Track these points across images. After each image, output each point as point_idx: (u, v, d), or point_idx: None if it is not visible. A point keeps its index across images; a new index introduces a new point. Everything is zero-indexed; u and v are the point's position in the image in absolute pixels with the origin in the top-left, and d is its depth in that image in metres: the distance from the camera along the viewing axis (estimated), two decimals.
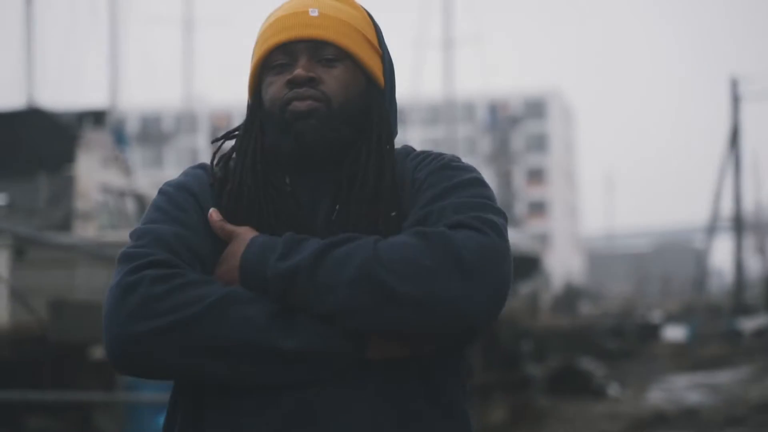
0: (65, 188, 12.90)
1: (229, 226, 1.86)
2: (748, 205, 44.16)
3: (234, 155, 1.97)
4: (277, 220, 1.88)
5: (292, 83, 1.89)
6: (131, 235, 1.86)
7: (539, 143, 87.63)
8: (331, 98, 1.89)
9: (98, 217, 13.42)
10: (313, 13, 1.93)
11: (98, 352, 11.86)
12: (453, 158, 1.96)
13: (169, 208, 1.89)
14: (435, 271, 1.72)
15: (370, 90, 1.96)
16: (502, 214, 1.85)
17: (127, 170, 15.64)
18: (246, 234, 1.84)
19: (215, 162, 1.98)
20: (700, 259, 36.72)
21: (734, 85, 33.85)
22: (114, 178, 14.48)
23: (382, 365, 1.80)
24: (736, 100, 33.75)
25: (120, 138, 17.97)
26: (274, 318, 1.75)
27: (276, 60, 1.93)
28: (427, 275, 1.72)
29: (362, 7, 2.02)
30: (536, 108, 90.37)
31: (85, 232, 12.57)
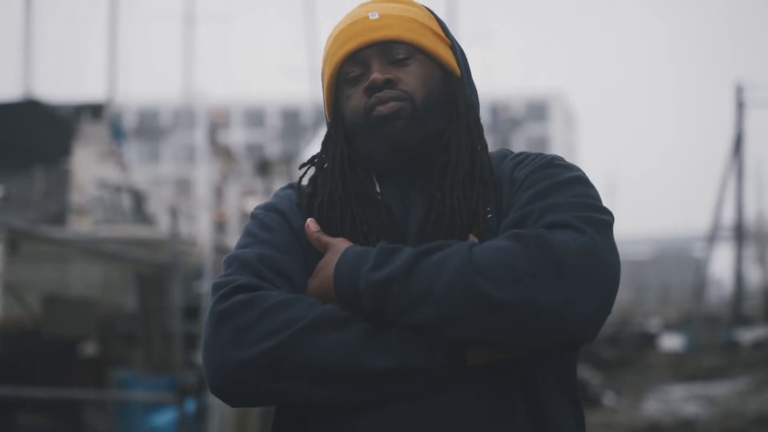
0: (61, 182, 12.91)
1: (326, 238, 1.86)
2: (750, 214, 44.20)
3: (321, 173, 1.96)
4: (369, 227, 1.87)
5: (371, 89, 1.87)
6: (224, 263, 1.89)
7: (540, 146, 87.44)
8: (413, 95, 1.87)
9: (94, 211, 13.42)
10: (374, 16, 1.91)
11: (90, 349, 11.88)
12: (555, 157, 1.91)
13: (258, 230, 1.90)
14: (533, 275, 1.67)
15: (449, 81, 1.93)
16: (607, 213, 1.80)
17: (123, 165, 15.64)
18: (340, 245, 1.83)
19: (303, 181, 1.99)
20: (699, 267, 36.75)
21: (739, 91, 33.88)
22: (110, 172, 14.49)
23: (481, 371, 1.76)
24: (740, 106, 33.79)
25: (117, 132, 17.93)
26: (367, 338, 1.73)
27: (349, 72, 1.91)
28: (525, 280, 1.66)
29: (420, 3, 2.00)
30: (538, 110, 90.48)
31: (80, 226, 12.60)
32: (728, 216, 34.22)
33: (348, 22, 1.93)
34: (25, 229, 9.39)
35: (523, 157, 1.93)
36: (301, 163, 2.02)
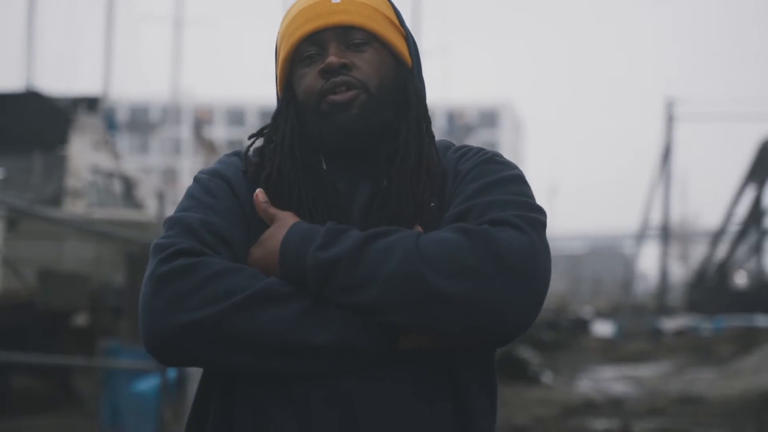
0: (58, 166, 12.57)
1: (273, 209, 1.70)
2: (675, 216, 44.56)
3: (269, 145, 1.78)
4: (314, 204, 1.71)
5: (326, 72, 1.70)
6: (164, 224, 1.71)
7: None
8: (367, 83, 1.71)
9: (87, 194, 13.13)
10: (336, 0, 1.74)
11: (81, 319, 11.68)
12: (496, 153, 1.79)
13: (201, 195, 1.72)
14: (477, 270, 1.55)
15: (400, 70, 1.77)
16: (542, 213, 1.68)
17: (115, 154, 15.38)
18: (287, 219, 1.68)
19: (250, 152, 1.81)
20: (628, 263, 37.01)
21: (669, 106, 34.11)
22: (103, 160, 14.23)
23: (412, 355, 1.64)
24: (670, 119, 34.01)
25: (110, 124, 17.62)
26: (307, 313, 1.59)
27: (305, 51, 1.74)
28: (469, 274, 1.55)
29: None
30: (489, 118, 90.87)
31: (75, 208, 12.33)
32: (656, 217, 34.49)
33: (310, 2, 1.76)
34: (24, 209, 9.15)
35: (466, 151, 1.81)
36: (251, 134, 1.84)
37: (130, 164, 18.15)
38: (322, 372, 1.61)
